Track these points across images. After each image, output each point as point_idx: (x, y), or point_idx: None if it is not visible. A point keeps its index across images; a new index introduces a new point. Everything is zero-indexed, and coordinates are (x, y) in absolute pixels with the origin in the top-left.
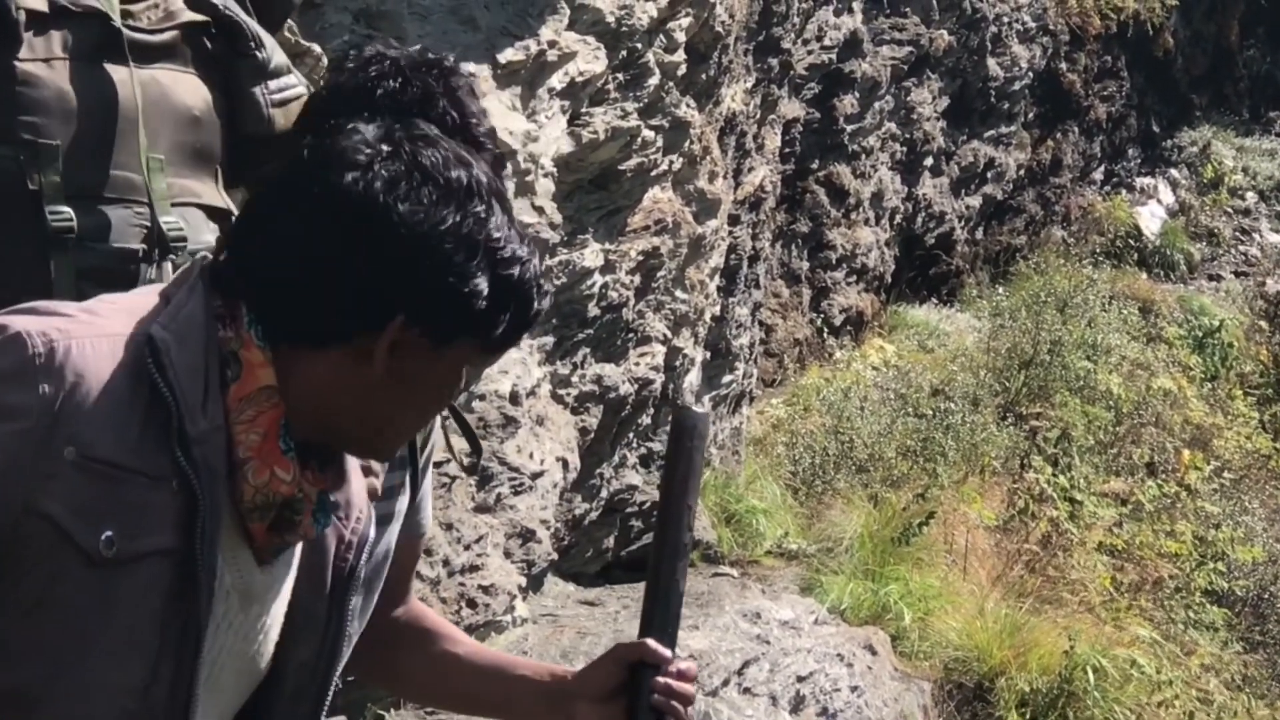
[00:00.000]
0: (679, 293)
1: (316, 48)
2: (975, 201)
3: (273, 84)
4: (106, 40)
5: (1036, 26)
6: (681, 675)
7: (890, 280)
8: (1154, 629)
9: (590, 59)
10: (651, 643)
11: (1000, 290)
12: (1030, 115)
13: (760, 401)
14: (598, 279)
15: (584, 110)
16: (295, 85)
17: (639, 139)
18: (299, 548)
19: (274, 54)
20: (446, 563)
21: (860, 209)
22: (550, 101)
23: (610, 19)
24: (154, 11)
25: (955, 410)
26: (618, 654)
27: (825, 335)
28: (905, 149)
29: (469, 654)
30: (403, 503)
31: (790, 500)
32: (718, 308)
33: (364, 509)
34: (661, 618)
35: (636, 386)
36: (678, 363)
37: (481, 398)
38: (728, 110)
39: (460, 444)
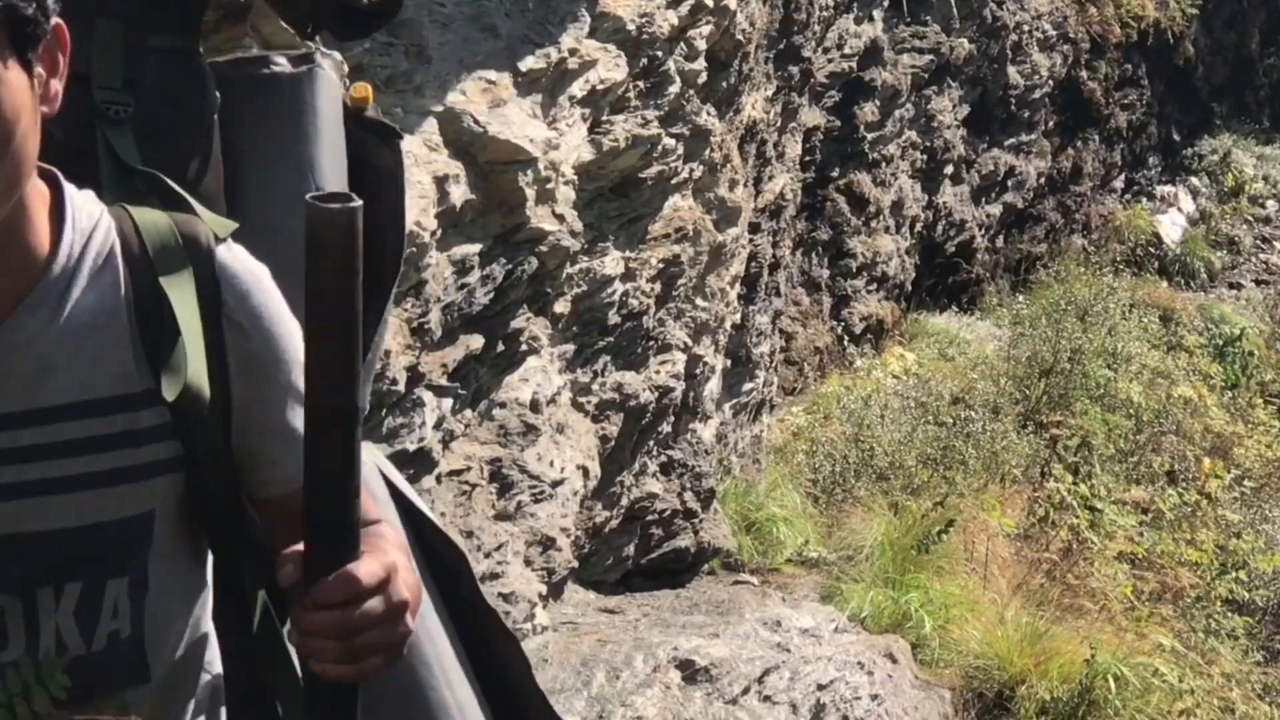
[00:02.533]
0: (699, 300)
1: (337, 54)
2: (996, 210)
3: None
4: None
5: (1057, 35)
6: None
7: (910, 288)
8: (1175, 638)
9: (611, 67)
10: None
11: (1020, 298)
12: (1051, 123)
13: (781, 409)
14: (618, 287)
15: (605, 118)
16: None
17: (659, 147)
18: None
19: None
20: None
21: (880, 217)
22: (571, 109)
23: (631, 27)
24: None
25: (976, 418)
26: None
27: (845, 343)
28: (926, 157)
29: None
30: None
31: (810, 508)
32: (738, 315)
33: None
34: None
35: (657, 394)
36: (698, 370)
37: (502, 405)
38: (748, 118)
39: None
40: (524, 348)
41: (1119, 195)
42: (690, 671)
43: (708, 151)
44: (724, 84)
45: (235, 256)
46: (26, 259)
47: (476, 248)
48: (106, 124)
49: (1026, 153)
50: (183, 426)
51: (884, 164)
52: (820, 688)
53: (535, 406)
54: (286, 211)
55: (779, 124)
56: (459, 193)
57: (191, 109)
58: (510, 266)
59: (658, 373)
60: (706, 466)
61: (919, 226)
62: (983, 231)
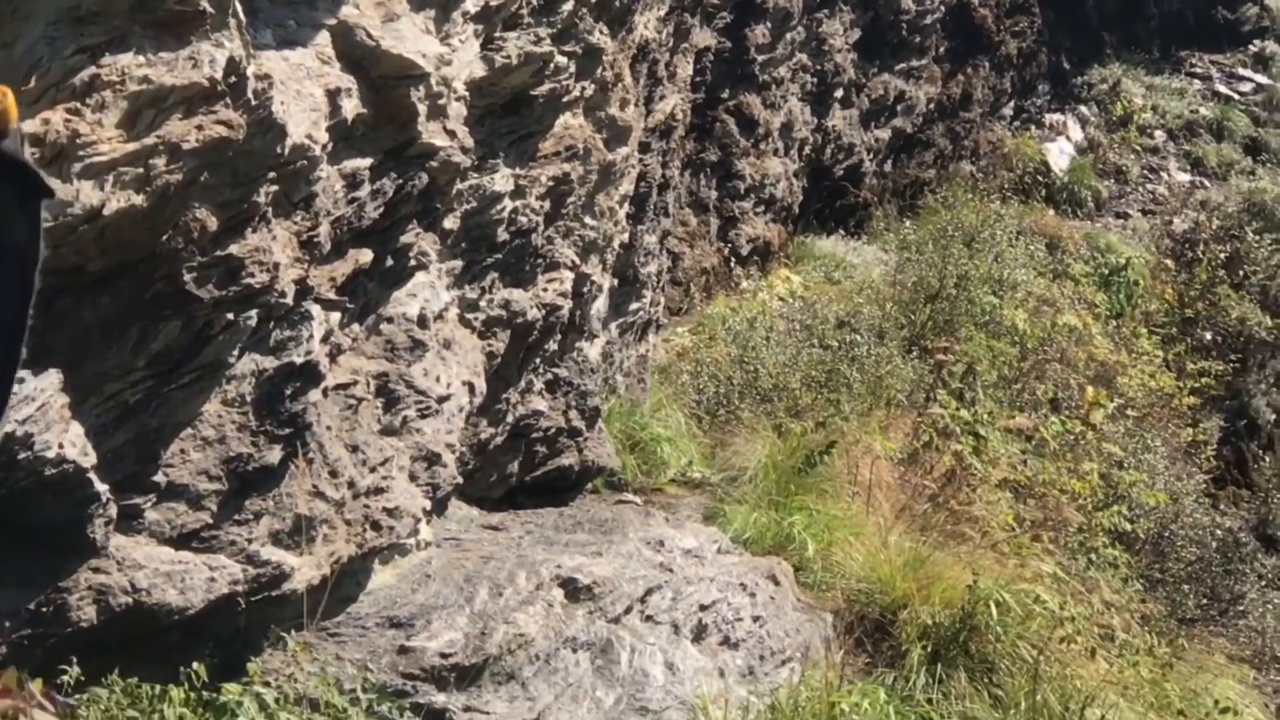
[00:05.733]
0: (588, 219)
1: None
2: (884, 134)
3: None
4: None
5: None
6: None
7: (798, 211)
8: (1056, 565)
9: None
10: None
11: (908, 224)
12: (941, 49)
13: (666, 330)
14: (508, 204)
15: (497, 34)
16: None
17: (551, 65)
18: None
19: None
20: (351, 484)
21: (769, 139)
22: (464, 25)
23: None
24: None
25: (860, 343)
26: None
27: (732, 265)
28: (815, 80)
29: None
30: None
31: (695, 429)
32: (626, 235)
33: None
34: None
35: (544, 312)
36: (585, 289)
37: (390, 320)
38: (640, 38)
39: None
40: (413, 263)
41: (1008, 122)
42: (573, 590)
43: (599, 70)
44: (617, 3)
45: None
46: None
47: (367, 162)
48: None
49: (916, 78)
50: None
51: (774, 86)
52: (703, 608)
53: (423, 322)
54: None
55: (671, 44)
56: (350, 106)
57: None
58: (400, 181)
59: (545, 290)
60: (592, 385)
61: (807, 149)
62: (871, 156)
